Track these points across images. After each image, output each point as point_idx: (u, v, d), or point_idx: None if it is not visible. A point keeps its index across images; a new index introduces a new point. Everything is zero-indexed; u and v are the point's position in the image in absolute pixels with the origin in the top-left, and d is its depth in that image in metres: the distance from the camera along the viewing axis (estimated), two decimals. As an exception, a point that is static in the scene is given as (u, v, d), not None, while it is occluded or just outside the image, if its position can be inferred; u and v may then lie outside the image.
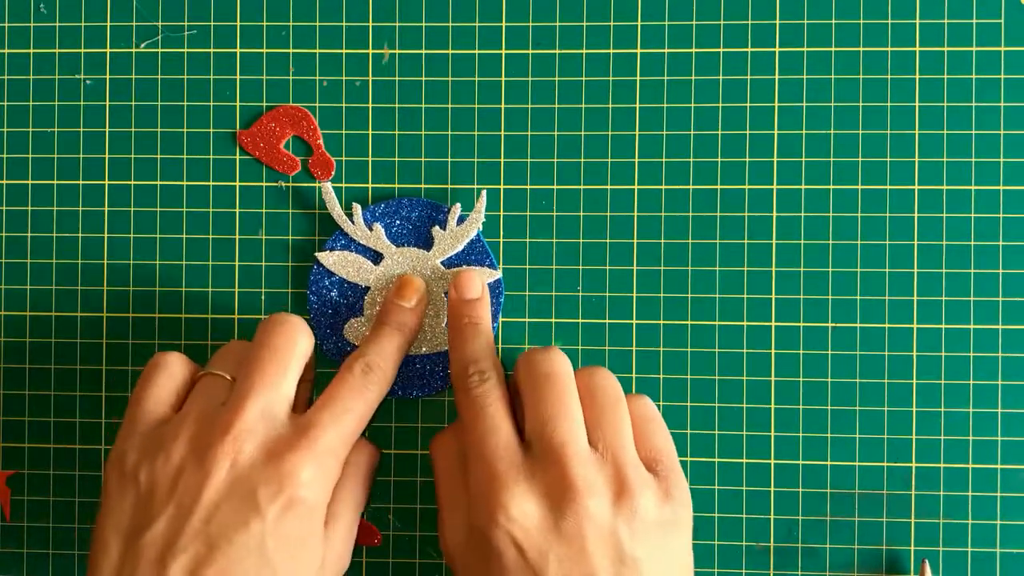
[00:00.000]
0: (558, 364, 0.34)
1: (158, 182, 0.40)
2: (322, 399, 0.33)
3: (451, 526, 0.33)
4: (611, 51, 0.39)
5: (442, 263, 0.39)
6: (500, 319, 0.39)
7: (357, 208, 0.39)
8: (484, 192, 0.39)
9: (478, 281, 0.37)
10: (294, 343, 0.34)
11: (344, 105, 0.39)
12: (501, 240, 0.39)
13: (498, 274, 0.38)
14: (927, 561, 0.38)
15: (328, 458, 0.32)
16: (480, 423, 0.33)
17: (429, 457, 0.36)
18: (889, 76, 0.39)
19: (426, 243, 0.39)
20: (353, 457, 0.35)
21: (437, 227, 0.39)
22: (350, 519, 0.34)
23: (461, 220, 0.39)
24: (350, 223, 0.39)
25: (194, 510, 0.30)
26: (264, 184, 0.40)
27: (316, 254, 0.39)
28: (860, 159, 0.39)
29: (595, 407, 0.33)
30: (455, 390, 0.35)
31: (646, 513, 0.31)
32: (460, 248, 0.39)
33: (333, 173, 0.39)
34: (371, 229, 0.39)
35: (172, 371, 0.34)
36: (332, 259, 0.39)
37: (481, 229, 0.39)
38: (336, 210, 0.39)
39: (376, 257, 0.39)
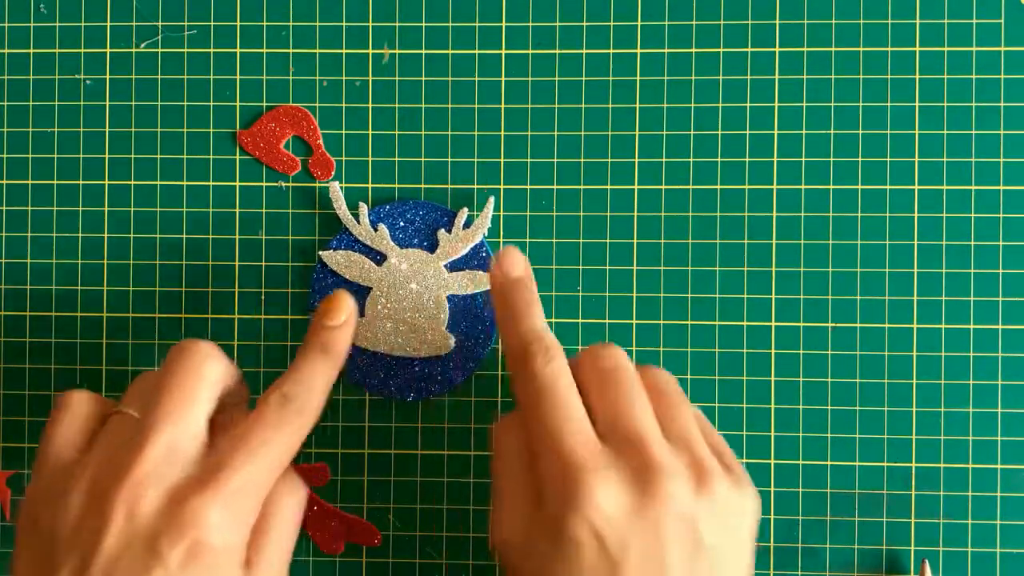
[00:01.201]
0: (623, 358, 0.33)
1: (158, 182, 0.40)
2: (235, 434, 0.31)
3: (511, 517, 0.31)
4: (611, 51, 0.39)
5: (445, 266, 0.39)
6: (500, 319, 0.39)
7: (363, 208, 0.39)
8: (492, 198, 0.39)
9: (521, 258, 0.35)
10: (199, 373, 0.31)
11: (344, 105, 0.39)
12: (501, 240, 0.39)
13: None
14: (927, 561, 0.38)
15: (240, 498, 0.29)
16: (554, 405, 0.31)
17: (491, 443, 0.34)
18: (889, 76, 0.39)
19: (431, 246, 0.39)
20: (277, 493, 0.32)
21: (443, 230, 0.39)
22: (277, 559, 0.31)
23: (467, 224, 0.39)
24: (356, 223, 0.39)
25: (93, 561, 0.28)
26: (264, 184, 0.40)
27: (320, 253, 0.39)
28: (860, 159, 0.39)
29: (663, 402, 0.32)
30: (515, 373, 0.33)
31: (724, 499, 0.30)
32: (465, 252, 0.39)
33: (333, 173, 0.39)
34: (376, 230, 0.39)
35: (76, 411, 0.32)
36: (336, 259, 0.39)
37: (486, 234, 0.39)
38: (343, 210, 0.39)
39: (380, 258, 0.39)
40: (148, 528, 0.28)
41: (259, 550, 0.31)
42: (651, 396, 0.32)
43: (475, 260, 0.39)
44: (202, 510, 0.28)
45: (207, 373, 0.31)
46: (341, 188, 0.39)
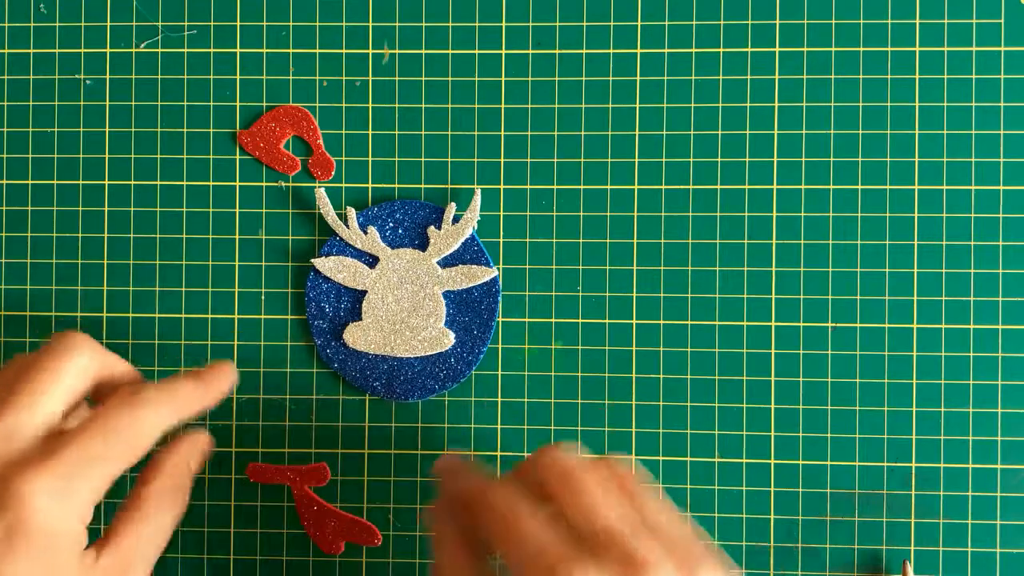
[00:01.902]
0: (574, 459, 0.32)
1: (158, 182, 0.40)
2: (82, 422, 0.31)
3: None
4: (611, 51, 0.39)
5: (438, 263, 0.39)
6: (500, 319, 0.39)
7: (351, 212, 0.39)
8: (479, 191, 0.39)
9: (453, 465, 0.35)
10: (57, 365, 0.31)
11: (344, 105, 0.39)
12: (501, 240, 0.39)
13: (494, 272, 0.39)
14: (908, 563, 0.38)
15: (72, 480, 0.29)
16: (524, 524, 0.30)
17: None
18: (889, 76, 0.39)
19: (422, 244, 0.39)
20: (154, 483, 0.32)
21: (432, 227, 0.39)
22: (133, 545, 0.31)
23: (456, 219, 0.39)
24: (345, 227, 0.39)
25: None
26: (264, 184, 0.40)
27: (312, 260, 0.39)
28: (860, 159, 0.39)
29: (626, 494, 0.32)
30: (481, 514, 0.32)
31: None
32: (456, 247, 0.39)
33: (333, 173, 0.39)
34: (366, 232, 0.39)
35: None
36: (328, 264, 0.39)
37: (476, 228, 0.39)
38: (330, 215, 0.39)
39: (372, 261, 0.39)
40: None
41: (116, 534, 0.31)
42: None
43: (467, 254, 0.39)
44: (24, 489, 0.28)
45: (67, 367, 0.31)
46: (341, 189, 0.39)
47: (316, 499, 0.39)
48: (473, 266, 0.39)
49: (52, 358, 0.31)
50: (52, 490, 0.28)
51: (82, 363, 0.32)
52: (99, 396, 0.33)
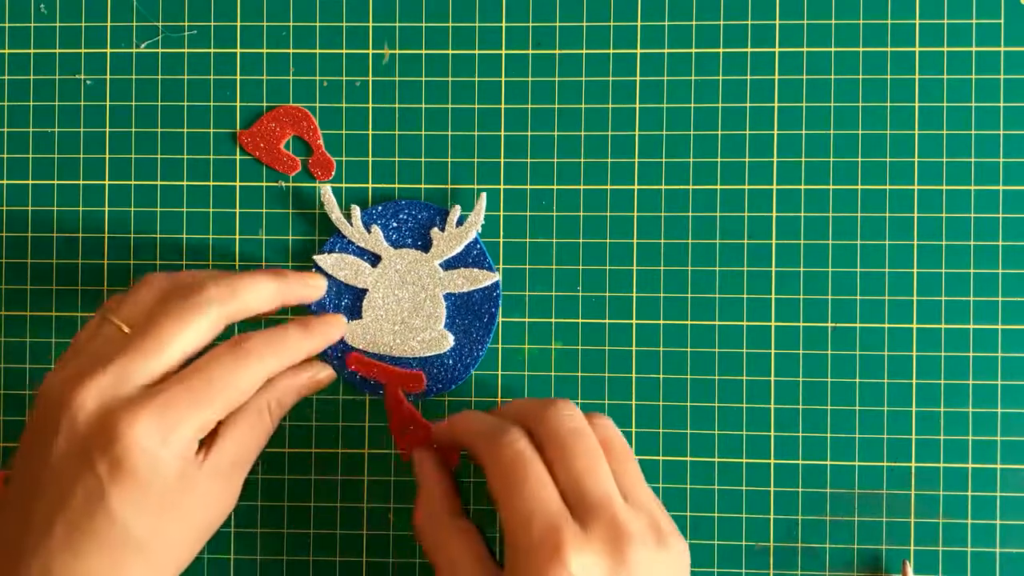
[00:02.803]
0: (580, 419, 0.33)
1: (158, 182, 0.40)
2: (188, 367, 0.33)
3: None
4: (611, 51, 0.39)
5: (440, 265, 0.39)
6: (500, 319, 0.39)
7: (356, 210, 0.39)
8: (484, 195, 0.39)
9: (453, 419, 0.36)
10: (188, 321, 0.33)
11: (344, 105, 0.39)
12: (501, 240, 0.39)
13: (496, 277, 0.39)
14: (907, 563, 0.38)
15: (171, 418, 0.31)
16: (525, 479, 0.32)
17: (426, 546, 0.35)
18: (889, 76, 0.39)
19: (424, 245, 0.39)
20: (240, 422, 0.34)
21: (436, 229, 0.39)
22: (229, 459, 0.33)
23: (460, 222, 0.39)
24: (348, 225, 0.39)
25: (50, 455, 0.31)
26: (264, 184, 0.40)
27: (314, 256, 0.39)
28: (860, 159, 0.39)
29: (612, 459, 0.33)
30: (483, 459, 0.33)
31: (678, 554, 0.32)
32: (459, 250, 0.39)
33: (333, 173, 0.39)
34: (369, 231, 0.39)
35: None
36: (330, 261, 0.39)
37: (480, 231, 0.39)
38: (335, 213, 0.39)
39: (374, 260, 0.39)
40: (84, 437, 0.31)
41: (220, 437, 0.33)
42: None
43: (470, 257, 0.39)
44: (130, 428, 0.30)
45: (197, 323, 0.33)
46: (341, 189, 0.39)
47: (405, 403, 0.39)
48: (475, 269, 0.39)
49: (187, 310, 0.33)
50: (155, 430, 0.31)
51: (209, 321, 0.33)
52: None
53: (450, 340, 0.39)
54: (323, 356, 0.39)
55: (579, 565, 0.30)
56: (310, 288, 0.38)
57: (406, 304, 0.39)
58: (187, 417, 0.32)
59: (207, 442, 0.33)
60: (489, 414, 0.36)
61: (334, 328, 0.37)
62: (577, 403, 0.39)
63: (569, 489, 0.32)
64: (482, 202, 0.39)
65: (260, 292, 0.35)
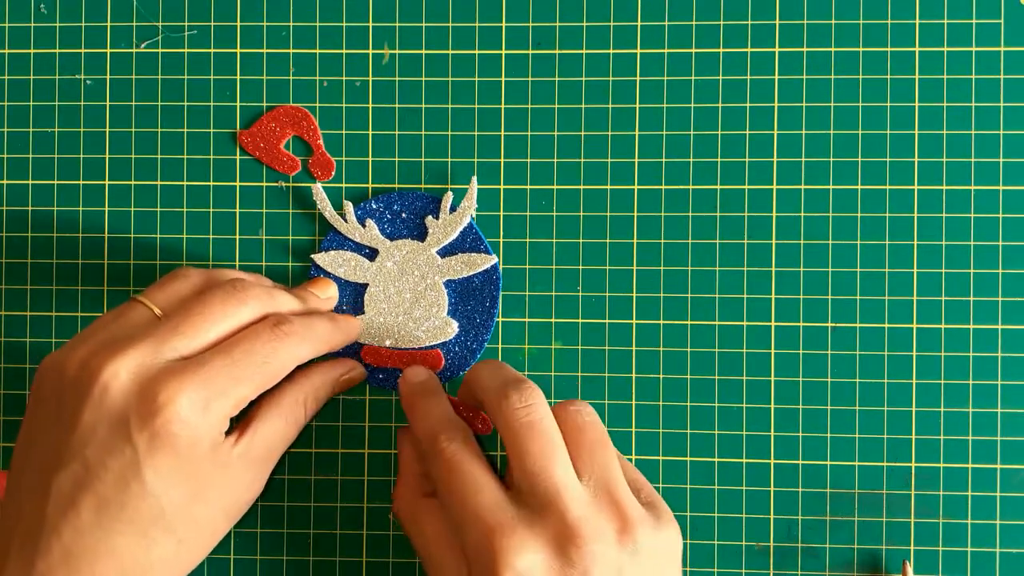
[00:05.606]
0: (537, 411, 0.33)
1: (158, 182, 0.40)
2: (226, 342, 0.33)
3: None
4: (611, 51, 0.39)
5: (438, 252, 0.39)
6: (500, 319, 0.39)
7: (349, 206, 0.39)
8: (475, 178, 0.39)
9: (421, 369, 0.37)
10: (229, 312, 0.33)
11: (344, 105, 0.40)
12: (501, 240, 0.39)
13: (494, 259, 0.39)
14: (907, 563, 0.38)
15: (211, 390, 0.31)
16: (462, 483, 0.32)
17: (402, 524, 0.35)
18: (889, 76, 0.39)
19: (421, 235, 0.39)
20: (277, 404, 0.35)
21: (430, 216, 0.39)
22: (261, 442, 0.34)
23: (453, 208, 0.39)
24: (343, 222, 0.39)
25: (76, 428, 0.30)
26: (264, 184, 0.40)
27: (312, 256, 0.39)
28: (860, 159, 0.39)
29: (582, 442, 0.33)
30: (428, 461, 0.34)
31: (649, 546, 0.31)
32: (454, 236, 0.39)
33: (333, 173, 0.39)
34: (364, 226, 0.39)
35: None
36: (327, 259, 0.39)
37: (474, 217, 0.39)
38: (328, 210, 0.39)
39: (372, 254, 0.39)
40: (119, 408, 0.30)
41: (252, 421, 0.34)
42: (570, 436, 0.33)
43: (466, 243, 0.39)
44: (169, 401, 0.30)
45: (237, 313, 0.33)
46: (341, 188, 0.39)
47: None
48: (473, 254, 0.39)
49: (230, 297, 0.33)
50: (193, 403, 0.31)
51: (251, 312, 0.34)
52: None
53: (454, 327, 0.39)
54: (338, 355, 0.39)
55: (524, 563, 0.30)
56: (334, 317, 0.38)
57: (407, 295, 0.39)
58: (228, 390, 0.32)
59: (240, 427, 0.33)
60: (459, 390, 0.37)
61: (354, 327, 0.38)
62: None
63: (522, 483, 0.32)
64: (473, 185, 0.39)
65: (292, 305, 0.36)
